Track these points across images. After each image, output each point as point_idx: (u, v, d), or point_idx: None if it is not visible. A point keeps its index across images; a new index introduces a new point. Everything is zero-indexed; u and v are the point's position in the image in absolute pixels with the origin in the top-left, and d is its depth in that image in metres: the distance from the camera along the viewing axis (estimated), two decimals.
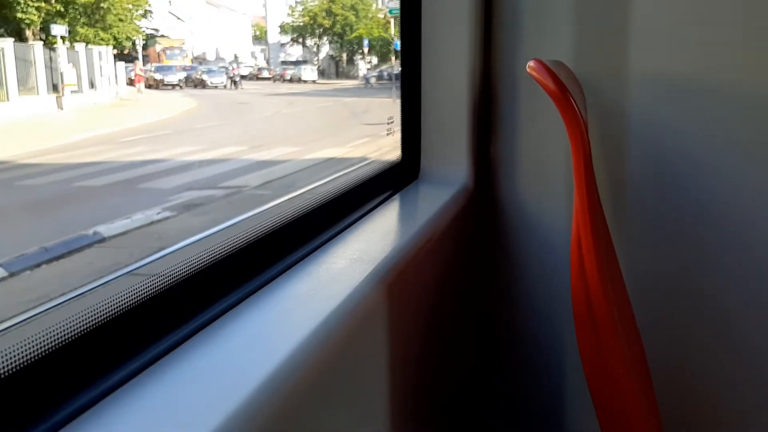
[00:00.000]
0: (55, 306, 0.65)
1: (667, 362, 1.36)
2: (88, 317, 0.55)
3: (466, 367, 1.45)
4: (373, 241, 1.03)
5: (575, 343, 0.92)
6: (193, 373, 0.57)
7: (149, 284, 0.63)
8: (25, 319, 0.61)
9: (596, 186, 0.87)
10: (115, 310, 0.58)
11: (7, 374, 0.47)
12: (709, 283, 1.40)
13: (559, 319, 1.37)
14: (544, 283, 1.39)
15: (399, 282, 0.94)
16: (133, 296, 0.60)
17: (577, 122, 0.71)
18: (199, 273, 0.71)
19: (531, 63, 0.75)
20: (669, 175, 1.41)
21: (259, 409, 0.53)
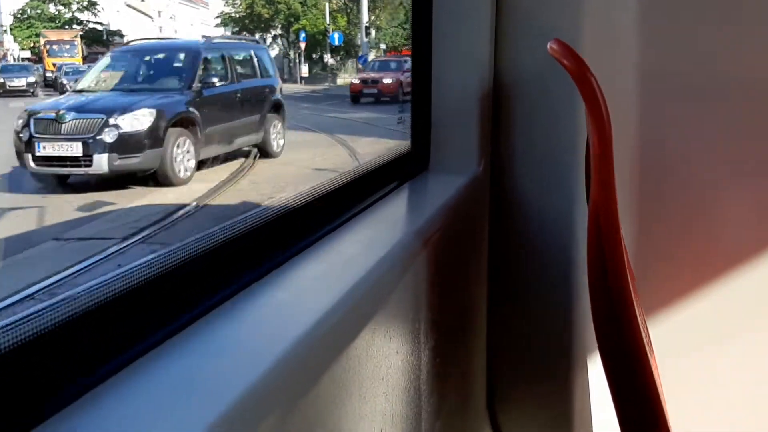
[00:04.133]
0: (79, 274, 0.66)
1: (671, 350, 1.37)
2: (113, 287, 0.55)
3: (476, 360, 1.44)
4: (384, 228, 1.04)
5: (590, 331, 0.92)
6: (215, 344, 0.58)
7: (172, 257, 0.63)
8: (47, 286, 0.61)
9: (614, 173, 0.87)
10: (139, 281, 0.58)
11: (33, 340, 0.47)
12: (714, 278, 1.41)
13: (572, 306, 1.37)
14: (555, 273, 1.39)
15: (411, 267, 0.94)
16: (157, 268, 0.61)
17: (596, 100, 0.71)
18: (211, 252, 0.71)
19: (552, 43, 0.75)
20: (676, 170, 1.42)
21: (277, 382, 0.54)
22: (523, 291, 1.45)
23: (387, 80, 12.58)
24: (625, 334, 0.77)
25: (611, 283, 0.76)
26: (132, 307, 0.57)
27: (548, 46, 0.74)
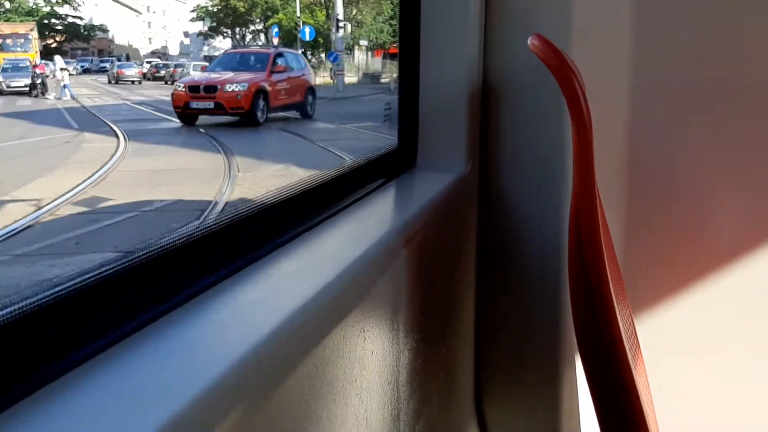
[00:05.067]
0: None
1: (660, 352, 1.37)
2: (69, 285, 0.53)
3: (462, 360, 1.43)
4: (365, 225, 1.02)
5: (572, 333, 0.91)
6: (172, 344, 0.55)
7: (136, 254, 0.61)
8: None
9: (594, 170, 0.86)
10: (100, 278, 0.56)
11: None
12: (703, 278, 1.41)
13: (560, 305, 1.36)
14: (543, 272, 1.38)
15: (391, 266, 0.93)
16: (120, 265, 0.59)
17: (576, 96, 0.69)
18: (185, 246, 0.69)
19: (532, 38, 0.73)
20: (665, 171, 1.42)
21: (234, 383, 0.52)
22: (511, 290, 1.44)
23: (232, 87, 8.06)
24: (604, 336, 0.75)
25: (592, 284, 0.74)
26: (91, 304, 0.55)
27: (529, 42, 0.73)
